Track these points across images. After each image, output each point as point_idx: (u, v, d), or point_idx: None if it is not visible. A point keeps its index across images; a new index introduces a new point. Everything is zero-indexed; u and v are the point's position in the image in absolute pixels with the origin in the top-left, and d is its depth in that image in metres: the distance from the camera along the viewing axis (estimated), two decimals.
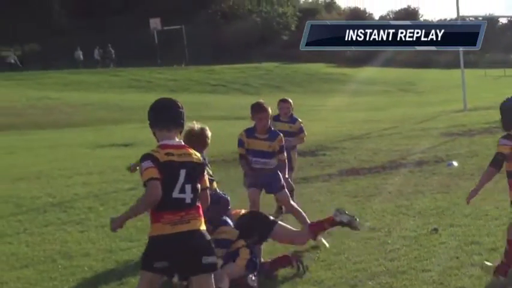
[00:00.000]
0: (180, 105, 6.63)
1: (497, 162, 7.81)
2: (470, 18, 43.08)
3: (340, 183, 15.05)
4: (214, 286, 6.29)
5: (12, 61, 67.55)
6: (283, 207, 11.48)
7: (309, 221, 9.94)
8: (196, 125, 8.92)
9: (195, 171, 6.22)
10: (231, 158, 18.91)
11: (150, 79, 58.40)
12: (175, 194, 6.06)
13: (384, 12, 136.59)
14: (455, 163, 16.90)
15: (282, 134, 10.58)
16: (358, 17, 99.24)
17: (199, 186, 6.23)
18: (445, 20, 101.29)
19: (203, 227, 6.19)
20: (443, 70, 72.72)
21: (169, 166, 6.08)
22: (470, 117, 28.75)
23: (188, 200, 6.10)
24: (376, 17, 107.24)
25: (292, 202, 10.47)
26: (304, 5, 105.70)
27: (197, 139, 8.64)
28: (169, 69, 64.92)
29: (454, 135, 22.98)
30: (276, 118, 12.35)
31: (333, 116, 28.70)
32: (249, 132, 10.53)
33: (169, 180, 6.05)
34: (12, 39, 75.17)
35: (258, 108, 10.39)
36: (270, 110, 10.42)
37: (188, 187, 6.12)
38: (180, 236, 6.00)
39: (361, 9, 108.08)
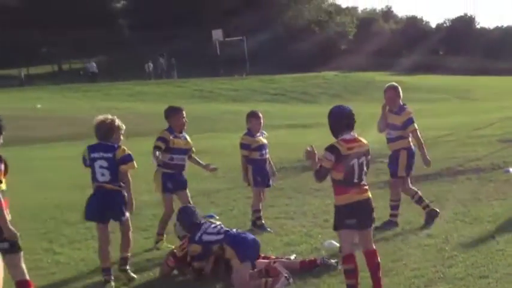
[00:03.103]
0: None
1: None
2: None
3: None
4: None
5: (96, 71, 68.33)
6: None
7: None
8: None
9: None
10: (292, 166, 18.95)
11: (212, 89, 58.76)
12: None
13: (440, 20, 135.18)
14: None
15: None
16: (415, 26, 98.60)
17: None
18: (502, 27, 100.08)
19: None
20: (499, 77, 71.71)
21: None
22: None
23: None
24: (433, 25, 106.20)
25: None
26: (362, 14, 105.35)
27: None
28: (231, 80, 65.24)
29: (510, 141, 22.61)
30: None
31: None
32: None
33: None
34: (79, 51, 76.23)
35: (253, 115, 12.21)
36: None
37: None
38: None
39: (418, 17, 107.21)
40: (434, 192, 14.47)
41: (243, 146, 12.11)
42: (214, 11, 77.69)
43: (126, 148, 9.64)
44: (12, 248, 7.66)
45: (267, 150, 12.28)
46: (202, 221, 9.86)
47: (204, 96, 55.18)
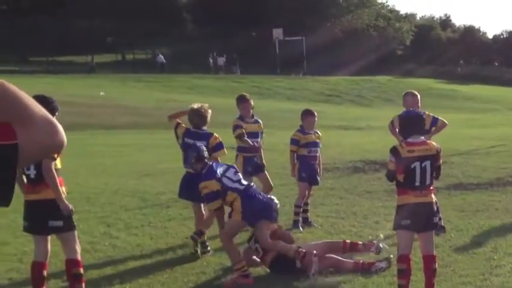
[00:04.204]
0: None
1: None
2: None
3: (447, 197, 14.77)
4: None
5: (164, 61, 69.04)
6: None
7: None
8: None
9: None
10: (344, 166, 18.89)
11: (269, 87, 58.84)
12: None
13: (498, 31, 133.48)
14: None
15: None
16: (472, 36, 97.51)
17: None
18: None
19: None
20: None
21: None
22: None
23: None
24: (490, 36, 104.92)
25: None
26: (421, 21, 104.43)
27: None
28: (288, 78, 65.27)
29: None
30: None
31: (442, 131, 28.25)
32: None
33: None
34: (144, 42, 77.00)
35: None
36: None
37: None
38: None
39: (476, 27, 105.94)
40: (484, 201, 14.29)
41: (293, 141, 12.24)
42: (275, 10, 77.72)
43: (218, 136, 9.93)
44: (66, 226, 7.83)
45: (318, 149, 12.34)
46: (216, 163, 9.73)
47: (260, 93, 55.23)
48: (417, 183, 7.87)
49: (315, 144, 12.25)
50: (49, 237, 8.03)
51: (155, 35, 75.13)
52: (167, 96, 47.75)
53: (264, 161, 12.43)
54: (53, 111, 7.80)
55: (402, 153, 7.91)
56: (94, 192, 15.56)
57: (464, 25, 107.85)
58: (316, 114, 12.40)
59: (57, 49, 68.73)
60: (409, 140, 8.03)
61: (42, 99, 7.51)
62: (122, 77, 59.45)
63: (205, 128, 10.41)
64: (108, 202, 14.51)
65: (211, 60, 69.99)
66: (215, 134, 10.35)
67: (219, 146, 10.18)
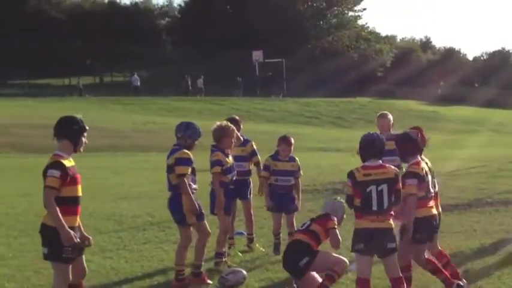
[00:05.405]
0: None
1: None
2: None
3: None
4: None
5: (138, 84, 68.68)
6: None
7: None
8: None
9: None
10: (323, 188, 18.92)
11: (249, 109, 58.86)
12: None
13: (477, 53, 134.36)
14: None
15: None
16: (452, 57, 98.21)
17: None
18: None
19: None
20: None
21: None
22: None
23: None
24: (470, 58, 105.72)
25: None
26: (401, 43, 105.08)
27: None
28: (267, 100, 65.38)
29: None
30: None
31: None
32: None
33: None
34: (122, 65, 76.96)
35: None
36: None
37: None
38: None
39: (456, 49, 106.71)
40: (463, 222, 14.35)
41: (264, 167, 11.79)
42: (255, 32, 77.99)
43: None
44: (50, 255, 7.67)
45: (291, 178, 11.70)
46: None
47: (240, 115, 55.11)
48: (374, 208, 7.88)
49: (287, 173, 11.68)
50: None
51: (134, 58, 75.11)
52: (145, 118, 47.70)
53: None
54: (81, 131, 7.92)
55: (358, 177, 7.96)
56: None
57: (444, 47, 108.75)
58: (292, 142, 11.74)
59: (36, 72, 68.72)
60: (366, 163, 8.07)
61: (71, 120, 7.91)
62: (101, 100, 59.35)
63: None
64: (83, 225, 14.30)
65: (189, 83, 69.82)
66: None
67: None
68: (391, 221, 8.03)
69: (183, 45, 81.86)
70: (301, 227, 9.68)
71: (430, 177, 8.72)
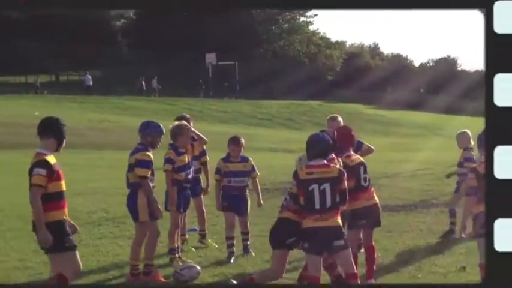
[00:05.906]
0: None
1: None
2: None
3: None
4: None
5: (90, 83, 67.84)
6: None
7: None
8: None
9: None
10: (274, 187, 19.01)
11: (202, 109, 58.73)
12: None
13: (424, 60, 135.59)
14: None
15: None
16: (399, 64, 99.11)
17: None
18: (482, 71, 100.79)
19: None
20: (473, 117, 72.17)
21: None
22: None
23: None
24: (417, 64, 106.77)
25: None
26: (350, 48, 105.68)
27: None
28: (220, 102, 65.36)
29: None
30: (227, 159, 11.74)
31: (371, 155, 28.78)
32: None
33: None
34: (77, 64, 76.25)
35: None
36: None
37: None
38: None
39: (403, 56, 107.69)
40: (410, 222, 14.54)
41: (216, 170, 11.64)
42: (209, 35, 77.87)
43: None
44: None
45: (245, 179, 11.57)
46: None
47: (193, 116, 54.82)
48: (317, 206, 7.87)
49: (240, 174, 11.54)
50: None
51: (90, 58, 74.43)
52: (100, 116, 47.32)
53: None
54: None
55: (301, 176, 8.01)
56: (27, 210, 15.20)
57: (392, 53, 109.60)
58: (241, 142, 11.56)
59: None
60: (310, 162, 8.11)
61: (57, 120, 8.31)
62: (57, 98, 58.71)
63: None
64: None
65: (143, 84, 69.36)
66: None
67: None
68: (338, 219, 8.00)
69: (139, 46, 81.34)
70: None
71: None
